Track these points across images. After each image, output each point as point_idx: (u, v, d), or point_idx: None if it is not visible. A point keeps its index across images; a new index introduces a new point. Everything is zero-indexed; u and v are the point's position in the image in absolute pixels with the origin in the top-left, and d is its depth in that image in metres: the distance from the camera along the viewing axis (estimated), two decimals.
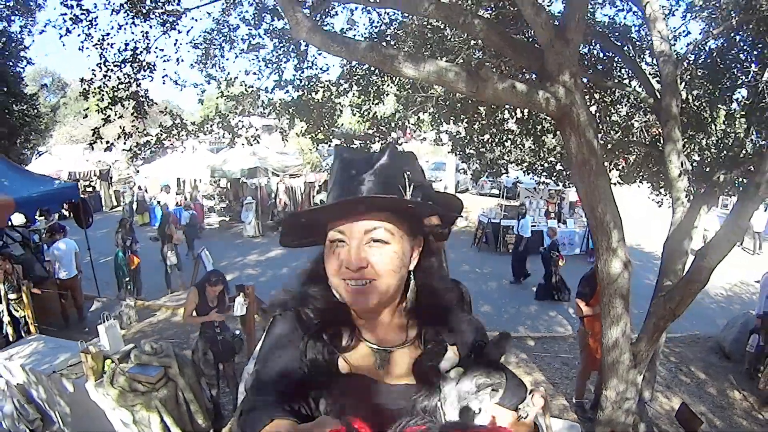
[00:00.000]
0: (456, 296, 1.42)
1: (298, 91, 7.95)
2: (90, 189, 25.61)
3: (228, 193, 22.40)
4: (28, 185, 9.56)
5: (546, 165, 8.86)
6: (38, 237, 12.38)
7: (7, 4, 8.90)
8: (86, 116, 8.72)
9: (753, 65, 6.61)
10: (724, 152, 6.83)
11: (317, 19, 6.96)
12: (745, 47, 6.84)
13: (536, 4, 3.53)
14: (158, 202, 20.47)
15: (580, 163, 3.83)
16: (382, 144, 8.31)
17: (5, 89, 11.90)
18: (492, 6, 6.47)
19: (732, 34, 6.73)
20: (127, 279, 11.56)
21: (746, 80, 6.56)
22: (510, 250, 16.99)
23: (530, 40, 6.41)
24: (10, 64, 11.51)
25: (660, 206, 9.04)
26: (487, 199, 23.86)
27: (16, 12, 8.84)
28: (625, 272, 4.28)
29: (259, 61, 7.77)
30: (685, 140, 7.15)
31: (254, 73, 7.86)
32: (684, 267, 5.50)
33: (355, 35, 7.60)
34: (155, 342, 5.96)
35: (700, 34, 7.24)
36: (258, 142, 8.49)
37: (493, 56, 6.53)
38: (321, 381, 1.22)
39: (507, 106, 7.65)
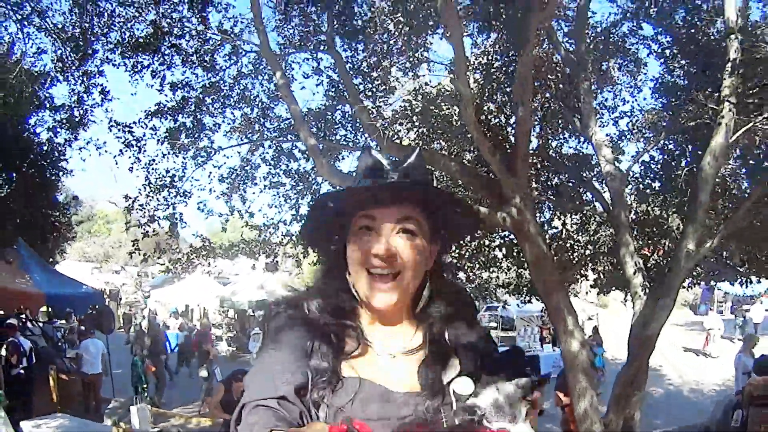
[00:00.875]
0: (466, 304, 1.39)
1: None
2: (94, 313, 26.21)
3: (236, 324, 23.18)
4: (58, 284, 10.49)
5: (528, 285, 9.94)
6: (60, 334, 13.03)
7: (56, 116, 9.74)
8: (127, 230, 9.83)
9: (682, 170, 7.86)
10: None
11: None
12: (675, 158, 8.23)
13: (492, 147, 4.91)
14: (167, 327, 21.25)
15: (534, 262, 5.02)
16: None
17: (43, 195, 12.79)
18: (472, 150, 7.87)
19: (665, 147, 8.20)
20: (145, 386, 12.26)
21: (679, 182, 7.82)
22: None
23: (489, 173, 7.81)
24: (52, 172, 12.34)
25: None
26: None
27: (63, 126, 9.55)
28: (583, 350, 5.30)
29: (279, 196, 9.09)
30: (650, 245, 8.38)
31: (275, 206, 9.18)
32: (646, 351, 6.39)
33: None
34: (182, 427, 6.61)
35: (641, 150, 8.71)
36: (277, 269, 9.64)
37: (471, 191, 7.87)
38: (323, 385, 1.19)
39: (494, 234, 8.87)
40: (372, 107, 7.21)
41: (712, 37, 7.50)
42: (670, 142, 8.18)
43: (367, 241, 1.23)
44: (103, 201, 41.95)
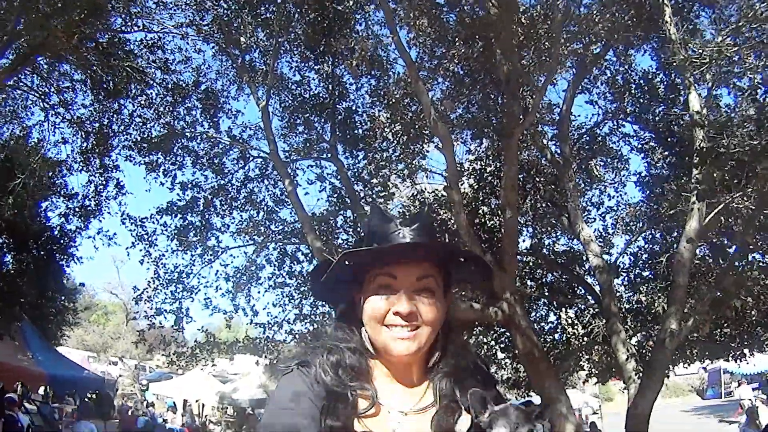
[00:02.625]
0: (476, 361, 1.38)
1: (314, 325, 9.24)
2: (94, 397, 25.62)
3: (235, 422, 22.79)
4: (60, 365, 10.61)
5: (526, 380, 10.08)
6: (57, 416, 12.82)
7: (69, 204, 10.00)
8: (127, 321, 10.08)
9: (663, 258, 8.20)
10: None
11: None
12: (657, 246, 8.68)
13: (482, 248, 5.39)
14: (166, 420, 20.88)
15: (525, 353, 5.37)
16: None
17: (52, 279, 12.80)
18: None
19: (648, 238, 8.65)
20: None
21: (661, 270, 8.18)
22: None
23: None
24: (61, 257, 12.39)
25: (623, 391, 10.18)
26: None
27: (76, 213, 9.81)
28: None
29: (282, 296, 9.38)
30: (642, 332, 8.65)
31: (279, 306, 9.42)
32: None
33: None
34: None
35: (625, 243, 9.20)
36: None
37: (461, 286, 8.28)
38: None
39: (491, 330, 9.18)
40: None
41: (685, 128, 7.87)
42: (654, 231, 8.64)
43: (388, 298, 1.23)
44: (103, 291, 42.03)
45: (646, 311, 8.80)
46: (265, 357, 9.48)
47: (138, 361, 34.74)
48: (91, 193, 9.50)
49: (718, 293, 5.90)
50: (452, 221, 7.19)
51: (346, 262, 1.25)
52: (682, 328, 5.71)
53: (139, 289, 9.17)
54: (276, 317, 9.42)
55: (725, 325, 8.61)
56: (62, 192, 10.46)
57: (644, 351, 8.40)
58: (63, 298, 14.53)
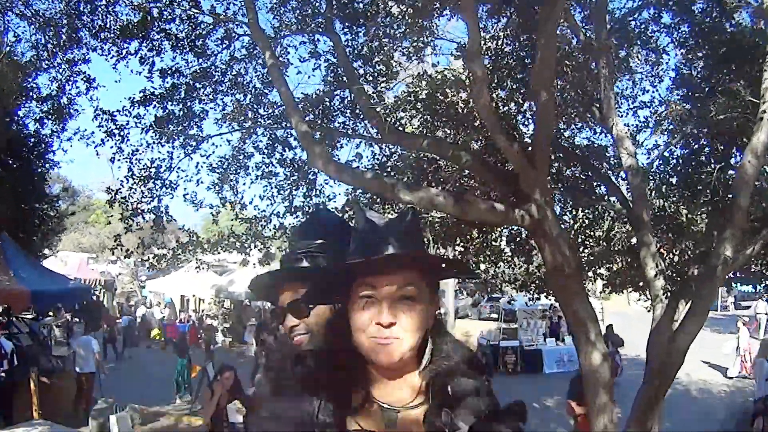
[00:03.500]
0: (467, 358, 1.39)
1: (305, 217, 8.52)
2: (94, 298, 25.91)
3: (232, 315, 22.75)
4: (44, 281, 10.04)
5: (537, 282, 9.43)
6: (47, 332, 12.60)
7: (43, 107, 9.40)
8: (109, 223, 9.45)
9: (712, 167, 7.33)
10: (698, 249, 7.45)
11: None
12: (703, 153, 7.64)
13: (509, 137, 4.36)
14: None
15: (554, 267, 4.48)
16: None
17: (31, 188, 12.50)
18: (481, 138, 7.37)
19: (691, 143, 7.58)
20: (187, 384, 12.46)
21: (707, 182, 7.28)
22: (509, 370, 17.22)
23: (506, 167, 7.28)
24: (38, 164, 12.16)
25: (649, 311, 9.56)
26: (487, 323, 24.21)
27: (50, 116, 9.27)
28: (605, 363, 4.76)
29: (271, 187, 8.56)
30: (667, 244, 7.84)
31: (267, 198, 8.62)
32: (669, 358, 5.93)
33: (359, 167, 8.34)
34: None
35: (663, 145, 8.12)
36: (269, 263, 9.10)
37: (482, 183, 7.35)
38: None
39: (499, 229, 8.39)
40: (373, 92, 6.67)
41: (737, 25, 6.93)
42: (696, 136, 7.56)
43: (368, 308, 1.25)
44: (99, 191, 41.60)
45: (674, 222, 7.91)
46: (256, 251, 8.72)
47: (137, 258, 34.63)
48: (59, 91, 8.74)
49: None
50: (462, 105, 6.15)
51: (333, 271, 1.39)
52: (739, 256, 4.80)
53: (113, 190, 8.16)
54: (264, 211, 8.65)
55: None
56: (34, 95, 9.80)
57: (672, 267, 7.62)
58: (46, 206, 14.17)
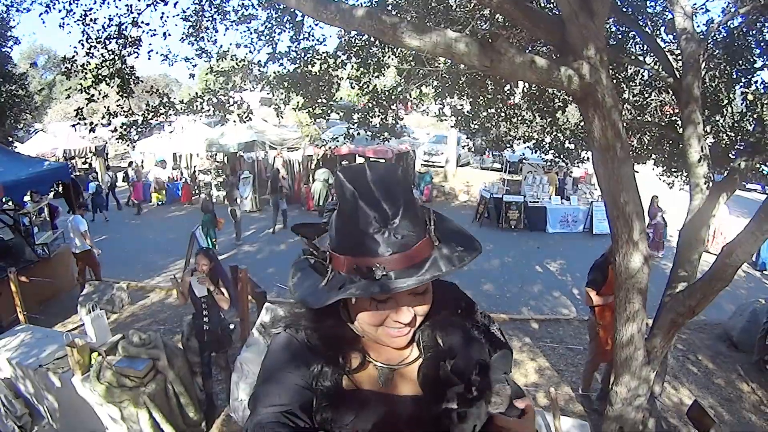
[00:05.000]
0: (456, 306, 1.42)
1: (293, 64, 7.46)
2: (86, 166, 25.19)
3: (225, 167, 21.98)
4: (16, 168, 9.31)
5: (556, 144, 8.43)
6: (28, 220, 12.10)
7: None
8: (69, 96, 8.36)
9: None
10: (745, 138, 6.44)
11: None
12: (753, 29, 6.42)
13: None
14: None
15: (604, 148, 3.47)
16: (381, 118, 7.93)
17: None
18: None
19: (756, 15, 6.29)
20: (214, 240, 12.58)
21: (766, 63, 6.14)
22: (513, 226, 16.83)
23: (548, 10, 5.97)
24: None
25: (671, 188, 8.69)
26: (489, 174, 23.51)
27: None
28: (644, 267, 3.95)
29: (251, 33, 7.29)
30: (709, 125, 6.81)
31: (246, 46, 7.37)
32: (700, 257, 5.17)
33: (354, 2, 7.12)
34: (143, 332, 5.66)
35: (722, 12, 6.82)
36: (250, 119, 8.09)
37: (503, 27, 6.08)
38: (327, 401, 1.24)
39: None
40: None
41: None
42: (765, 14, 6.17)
43: (386, 308, 1.23)
44: (81, 57, 39.63)
45: (724, 105, 6.78)
46: (236, 107, 7.69)
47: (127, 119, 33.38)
48: None
49: None
50: None
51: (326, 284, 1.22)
52: None
53: (68, 59, 6.95)
54: (243, 60, 7.45)
55: None
56: None
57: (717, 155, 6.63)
58: (13, 87, 13.45)
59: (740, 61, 6.52)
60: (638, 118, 7.31)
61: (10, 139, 14.69)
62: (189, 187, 21.17)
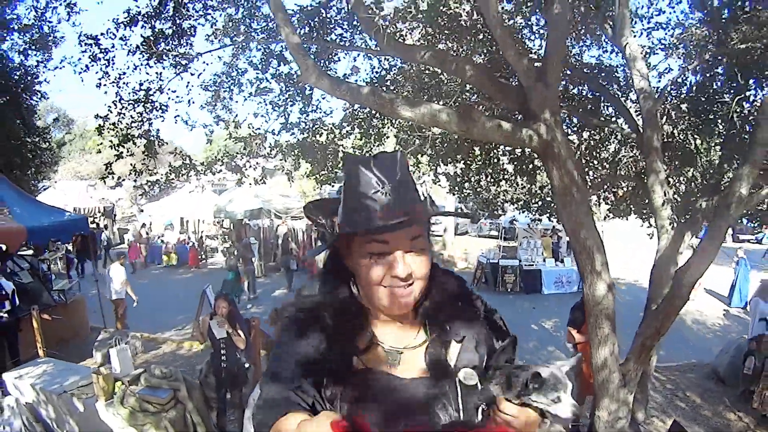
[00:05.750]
0: (460, 292, 1.49)
1: (303, 134, 8.32)
2: (94, 226, 25.96)
3: (231, 234, 22.72)
4: (39, 215, 9.91)
5: (540, 202, 9.23)
6: (46, 266, 12.66)
7: (26, 38, 9.15)
8: (99, 152, 9.22)
9: (728, 97, 6.98)
10: (707, 181, 7.19)
11: (322, 64, 7.45)
12: (719, 81, 7.28)
13: (518, 51, 3.99)
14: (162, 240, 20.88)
15: (563, 192, 4.21)
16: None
17: (19, 121, 12.26)
18: (485, 52, 6.96)
19: (708, 69, 7.20)
20: (236, 295, 13.15)
21: (723, 112, 6.94)
22: (509, 290, 17.37)
23: (518, 83, 6.88)
24: (26, 96, 11.88)
25: (651, 237, 9.41)
26: (486, 241, 24.25)
27: (34, 47, 9.10)
28: (609, 294, 4.59)
29: (266, 104, 8.20)
30: (673, 172, 7.58)
31: (262, 116, 8.31)
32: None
33: (357, 80, 8.04)
34: (165, 367, 6.23)
35: (678, 70, 7.76)
36: (264, 182, 8.88)
37: (486, 99, 6.98)
38: (336, 379, 1.29)
39: (502, 147, 8.10)
40: (371, 2, 6.18)
41: None
42: (713, 63, 7.11)
43: (383, 263, 1.31)
44: (82, 119, 41.33)
45: (692, 155, 7.60)
46: (252, 170, 8.48)
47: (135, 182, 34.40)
48: (38, 19, 8.56)
49: None
50: (466, 17, 5.70)
51: (337, 230, 1.37)
52: (754, 196, 4.55)
53: (101, 117, 7.76)
54: (258, 129, 8.38)
55: None
56: (15, 27, 9.58)
57: (680, 196, 7.41)
58: (37, 139, 13.90)
59: (701, 114, 7.31)
60: (613, 173, 8.12)
61: (34, 189, 15.28)
62: (196, 252, 21.86)
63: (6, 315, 8.93)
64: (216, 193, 23.52)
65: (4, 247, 9.14)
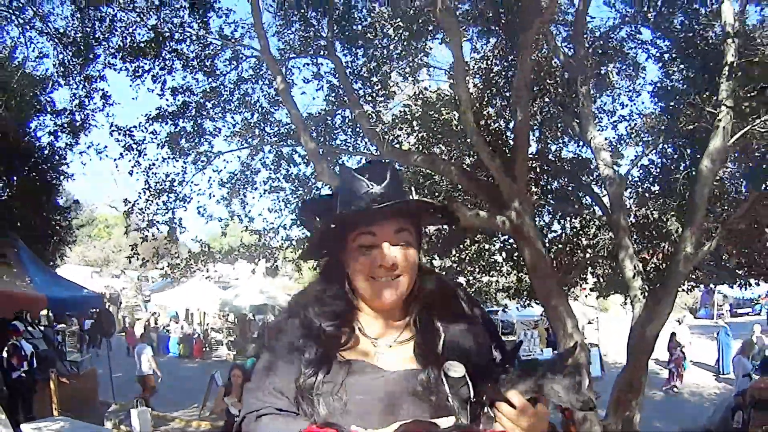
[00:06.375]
0: (450, 292, 1.50)
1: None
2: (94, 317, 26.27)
3: (236, 328, 23.17)
4: (58, 288, 10.49)
5: (527, 290, 9.92)
6: (61, 338, 13.16)
7: (57, 120, 9.70)
8: (126, 233, 9.93)
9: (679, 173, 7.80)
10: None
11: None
12: (670, 160, 8.29)
13: (491, 153, 4.96)
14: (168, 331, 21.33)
15: (533, 267, 5.06)
16: None
17: (44, 198, 12.73)
18: (472, 154, 7.89)
19: (662, 152, 8.28)
20: None
21: (676, 187, 7.82)
22: None
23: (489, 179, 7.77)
24: (52, 175, 12.36)
25: (624, 306, 9.98)
26: None
27: (64, 130, 9.56)
28: (582, 352, 5.31)
29: (279, 201, 9.07)
30: (649, 248, 8.41)
31: (275, 211, 9.15)
32: (648, 357, 6.38)
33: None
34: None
35: (635, 156, 8.77)
36: (277, 274, 9.61)
37: (472, 195, 7.88)
38: (316, 367, 1.31)
39: (491, 238, 8.93)
40: (372, 112, 7.25)
41: (710, 41, 7.48)
42: (669, 145, 8.20)
43: (370, 254, 1.36)
44: (104, 205, 41.80)
45: (656, 228, 8.50)
46: (263, 261, 9.23)
47: (140, 273, 35.22)
48: (76, 107, 9.04)
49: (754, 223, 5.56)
50: (455, 122, 6.74)
51: (332, 225, 1.40)
52: (698, 252, 5.39)
53: (130, 202, 8.71)
54: (272, 223, 9.18)
55: (734, 252, 8.30)
56: (49, 109, 10.15)
57: (650, 270, 8.21)
58: (58, 217, 14.37)
59: (664, 192, 8.22)
60: (594, 256, 8.96)
61: (51, 264, 15.61)
62: (201, 343, 22.20)
63: (24, 375, 9.42)
64: (221, 289, 24.14)
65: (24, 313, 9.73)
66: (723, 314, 25.55)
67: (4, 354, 9.35)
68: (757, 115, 5.60)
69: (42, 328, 12.32)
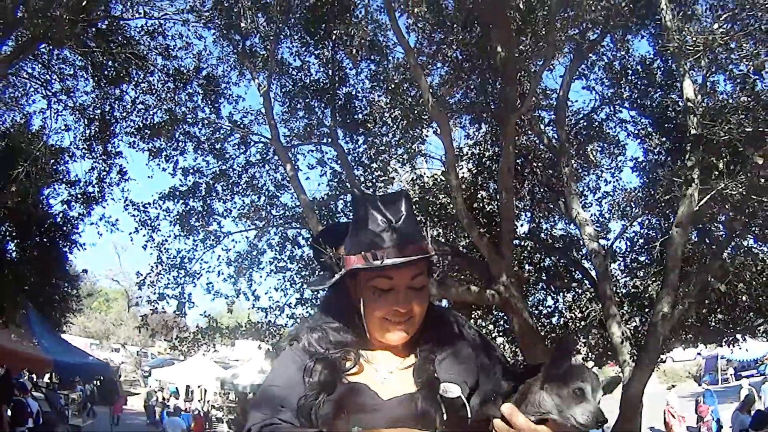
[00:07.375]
0: (451, 321, 1.52)
1: (315, 309, 9.39)
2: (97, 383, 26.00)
3: (236, 407, 23.03)
4: (64, 353, 10.81)
5: (524, 363, 10.25)
6: (64, 401, 13.11)
7: (71, 190, 10.03)
8: (129, 307, 10.27)
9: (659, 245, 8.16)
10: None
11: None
12: (655, 231, 8.77)
13: (480, 233, 5.50)
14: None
15: (521, 336, 5.49)
16: None
17: (55, 265, 12.74)
18: (466, 235, 8.38)
19: (643, 223, 8.81)
20: None
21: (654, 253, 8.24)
22: None
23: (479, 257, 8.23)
24: (63, 244, 12.34)
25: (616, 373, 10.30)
26: None
27: (78, 200, 9.86)
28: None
29: (284, 281, 9.43)
30: (638, 316, 8.78)
31: (281, 290, 9.47)
32: (640, 419, 6.73)
33: None
34: None
35: (621, 228, 9.25)
36: (278, 354, 9.85)
37: (459, 271, 8.35)
38: (318, 389, 1.32)
39: (489, 320, 9.34)
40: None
41: (680, 116, 7.90)
42: (649, 216, 8.72)
43: (387, 298, 1.37)
44: (105, 278, 42.17)
45: (642, 295, 8.90)
46: (267, 341, 9.50)
47: (140, 348, 35.09)
48: (94, 179, 9.53)
49: (710, 278, 6.02)
50: (451, 205, 7.28)
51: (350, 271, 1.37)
52: (674, 311, 5.82)
53: (142, 275, 9.19)
54: (277, 302, 9.48)
55: (718, 310, 8.72)
56: (64, 179, 10.49)
57: (640, 335, 8.56)
58: (66, 284, 14.51)
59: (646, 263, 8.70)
60: (586, 325, 9.33)
61: (57, 330, 15.55)
62: (202, 421, 21.98)
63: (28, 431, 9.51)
64: (222, 368, 24.15)
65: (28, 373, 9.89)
66: (728, 378, 25.40)
67: (9, 411, 9.43)
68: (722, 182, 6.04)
69: (44, 390, 12.42)
